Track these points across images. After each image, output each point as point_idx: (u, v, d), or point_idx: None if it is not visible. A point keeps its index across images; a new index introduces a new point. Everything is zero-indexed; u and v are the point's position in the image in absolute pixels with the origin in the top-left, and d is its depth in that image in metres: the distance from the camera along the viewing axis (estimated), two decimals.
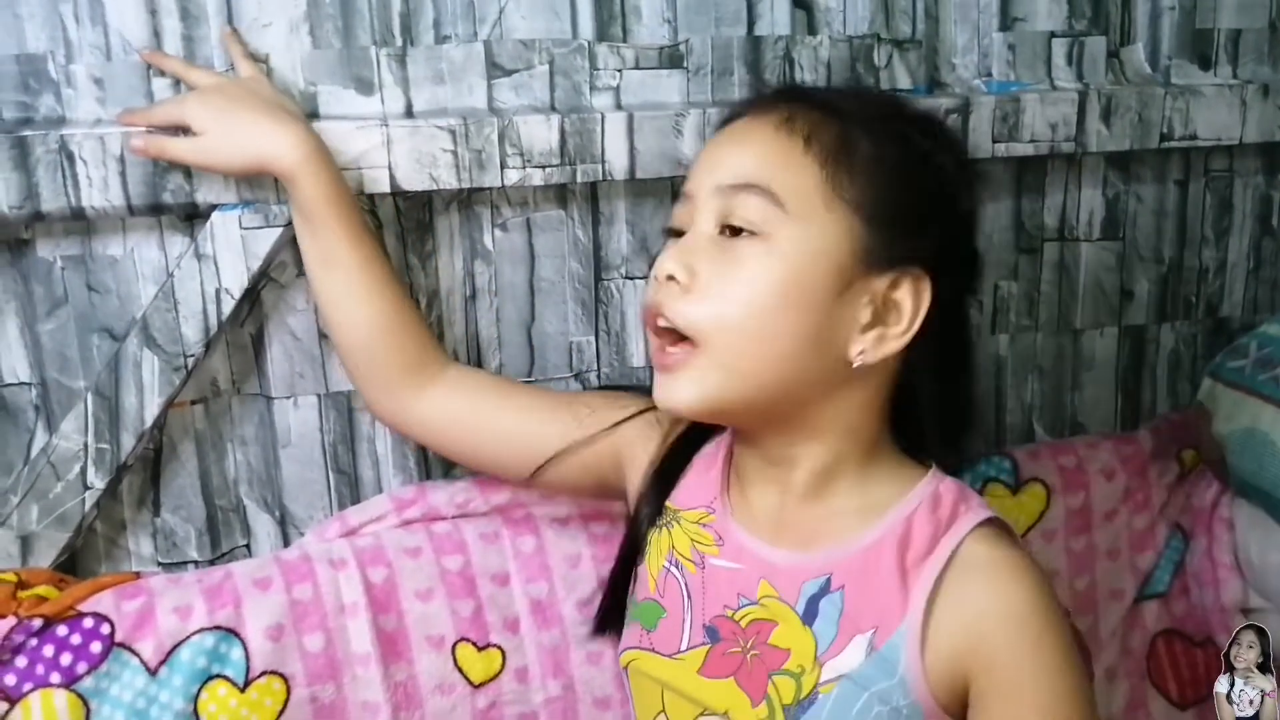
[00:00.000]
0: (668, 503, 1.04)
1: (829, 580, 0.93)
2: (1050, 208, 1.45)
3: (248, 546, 1.29)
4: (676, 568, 1.01)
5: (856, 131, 0.90)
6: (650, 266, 1.31)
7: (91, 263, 1.18)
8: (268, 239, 1.17)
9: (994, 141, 1.35)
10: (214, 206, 1.15)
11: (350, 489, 1.30)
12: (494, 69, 1.24)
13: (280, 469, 1.27)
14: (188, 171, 1.13)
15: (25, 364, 1.20)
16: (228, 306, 1.17)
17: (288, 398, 1.26)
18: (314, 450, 1.28)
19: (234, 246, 1.16)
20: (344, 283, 1.08)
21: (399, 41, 1.22)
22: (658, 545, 1.04)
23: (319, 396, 1.27)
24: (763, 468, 0.97)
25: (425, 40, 1.22)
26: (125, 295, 1.19)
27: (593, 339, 1.33)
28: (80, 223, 1.16)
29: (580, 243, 1.31)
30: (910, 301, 0.90)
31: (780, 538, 0.96)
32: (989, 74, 1.39)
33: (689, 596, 1.00)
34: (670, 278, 0.89)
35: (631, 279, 1.33)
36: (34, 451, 1.20)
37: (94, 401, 1.17)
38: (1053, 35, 1.40)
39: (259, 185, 1.15)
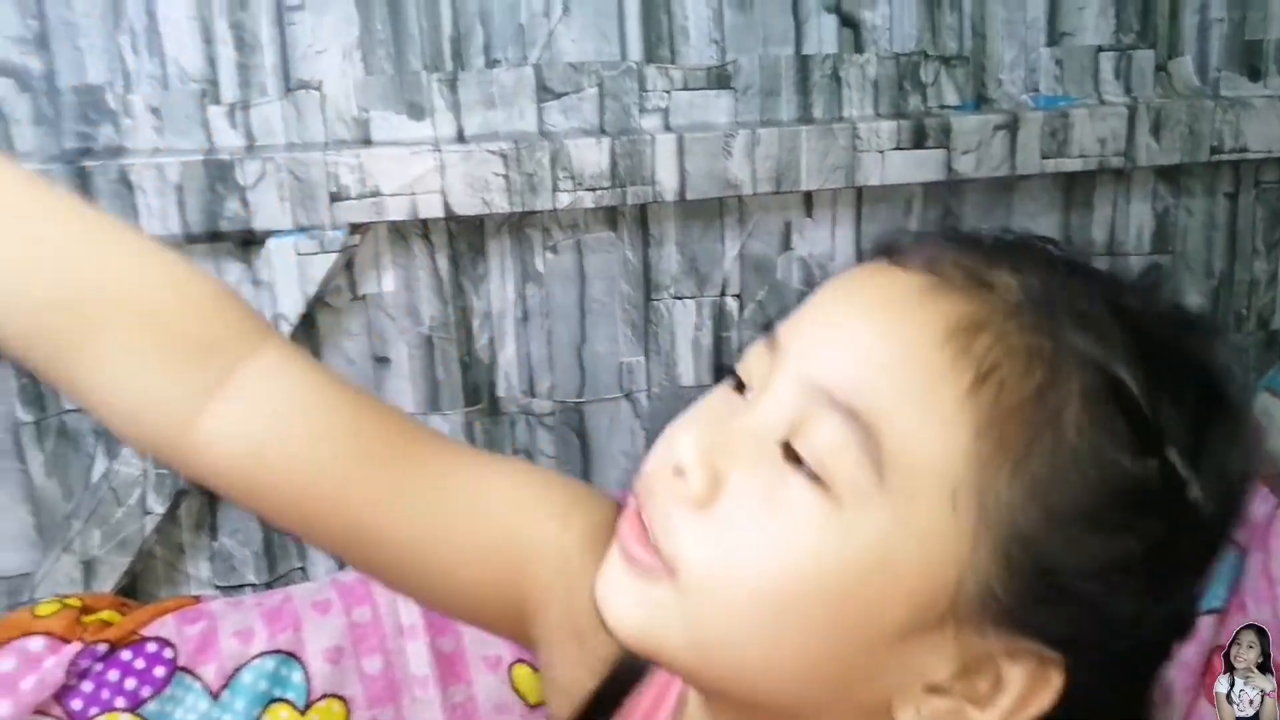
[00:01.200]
0: None
1: None
2: (1099, 222, 1.45)
3: (303, 569, 1.30)
4: None
5: (1074, 409, 0.48)
6: (700, 287, 1.33)
7: None
8: (323, 264, 1.18)
9: (1042, 157, 1.35)
10: (270, 233, 1.16)
11: None
12: (544, 92, 1.25)
13: None
14: (244, 199, 1.14)
15: None
16: (285, 330, 1.18)
17: None
18: None
19: (290, 272, 1.17)
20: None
21: (450, 66, 1.23)
22: None
23: None
24: None
25: (476, 64, 1.23)
26: None
27: (643, 359, 1.34)
28: None
29: (630, 264, 1.31)
30: (1021, 687, 0.50)
31: None
32: (1036, 89, 1.39)
33: None
34: (680, 471, 0.52)
35: (681, 299, 1.33)
36: (94, 477, 1.21)
37: None
38: (1100, 49, 1.40)
39: (314, 211, 1.16)
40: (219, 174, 1.13)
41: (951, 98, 1.37)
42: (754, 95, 1.31)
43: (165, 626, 1.12)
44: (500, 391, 1.32)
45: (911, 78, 1.35)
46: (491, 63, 1.24)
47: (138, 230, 0.66)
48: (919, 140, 1.30)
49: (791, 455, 0.50)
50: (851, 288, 0.54)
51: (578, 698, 0.65)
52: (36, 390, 1.20)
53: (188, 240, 1.15)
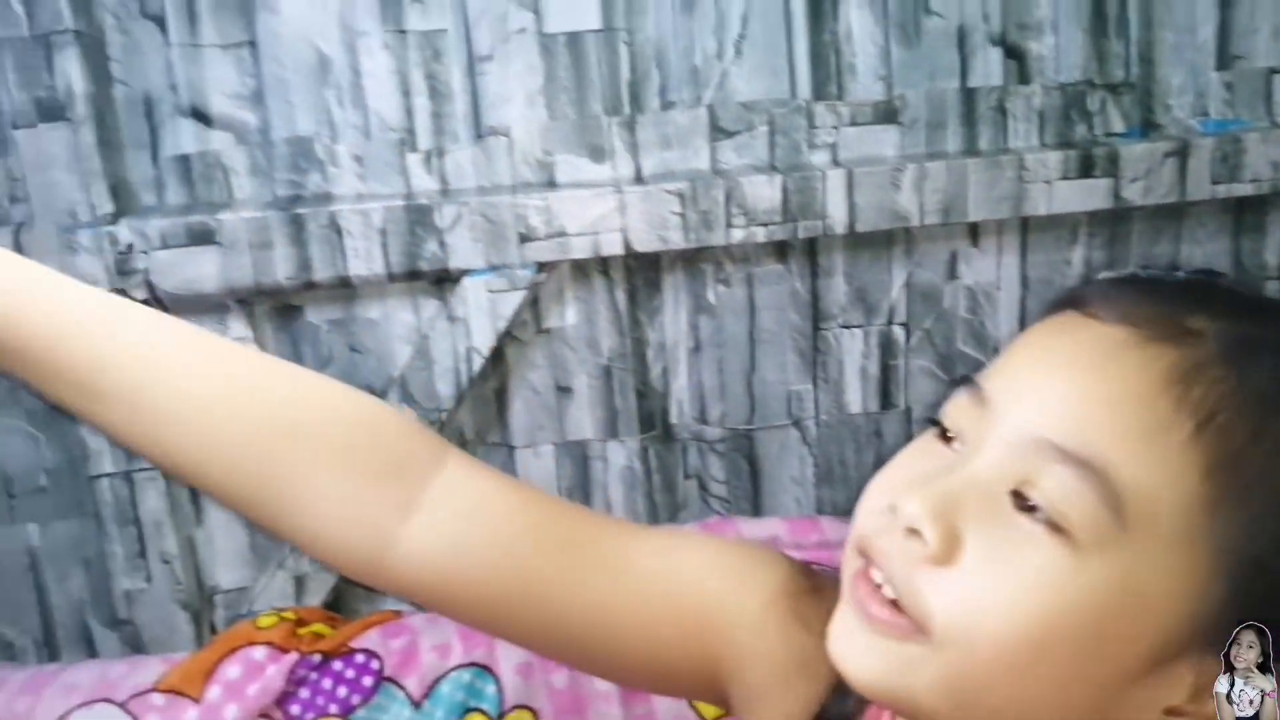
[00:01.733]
0: None
1: None
2: (1271, 246, 1.43)
3: None
4: None
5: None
6: (867, 317, 1.36)
7: (353, 325, 1.29)
8: (513, 301, 1.25)
9: (1213, 183, 1.34)
10: (464, 272, 1.24)
11: None
12: (717, 132, 1.31)
13: None
14: (441, 241, 1.22)
15: None
16: (477, 364, 1.26)
17: (528, 447, 1.34)
18: (551, 494, 1.35)
19: (482, 308, 1.25)
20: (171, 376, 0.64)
21: (627, 110, 1.29)
22: None
23: (555, 446, 1.35)
24: None
25: (652, 107, 1.29)
26: (383, 355, 1.30)
27: (811, 387, 1.38)
28: (344, 289, 1.26)
29: (799, 294, 1.35)
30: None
31: None
32: (1205, 114, 1.39)
33: None
34: (914, 531, 0.55)
35: (848, 328, 1.37)
36: None
37: None
38: (1273, 72, 1.39)
39: (504, 251, 1.23)
40: (418, 218, 1.21)
41: (1119, 125, 1.38)
42: (920, 129, 1.34)
43: (371, 639, 1.21)
44: (673, 418, 1.37)
45: (1078, 107, 1.36)
46: (667, 105, 1.30)
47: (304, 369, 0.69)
48: (1086, 169, 1.32)
49: (1024, 506, 0.53)
50: (1053, 343, 0.58)
51: None
52: None
53: (389, 279, 1.24)
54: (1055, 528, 0.52)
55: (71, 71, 1.16)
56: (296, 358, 1.29)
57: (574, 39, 1.26)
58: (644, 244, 1.26)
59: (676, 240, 1.26)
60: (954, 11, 1.32)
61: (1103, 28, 1.35)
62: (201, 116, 1.24)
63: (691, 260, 1.33)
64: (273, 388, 0.65)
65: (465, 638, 1.22)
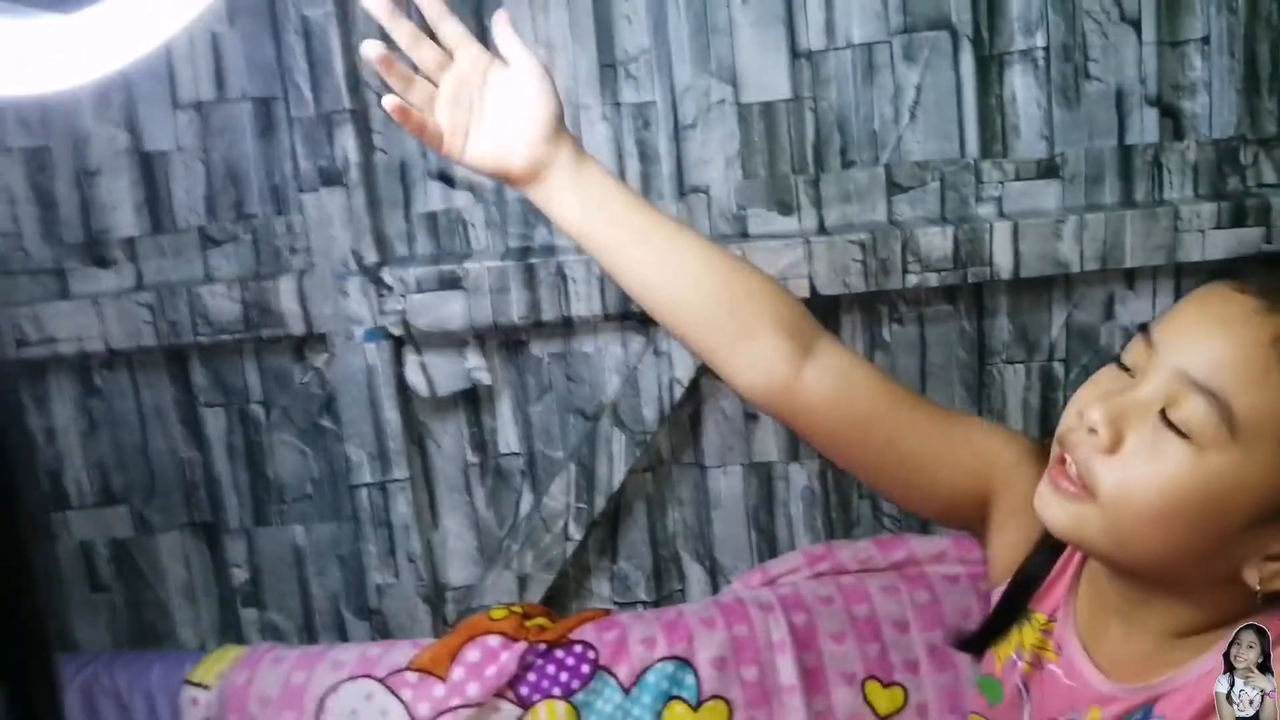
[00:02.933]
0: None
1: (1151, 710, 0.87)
2: None
3: (682, 591, 1.55)
4: (1020, 661, 1.00)
5: None
6: (1030, 354, 1.49)
7: (570, 358, 1.48)
8: None
9: None
10: None
11: (768, 545, 1.53)
12: (893, 187, 1.46)
13: (711, 526, 1.53)
14: None
15: (517, 439, 1.50)
16: (678, 393, 1.44)
17: (718, 467, 1.51)
18: (738, 511, 1.52)
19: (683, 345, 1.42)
20: (679, 249, 0.99)
21: (812, 169, 1.45)
22: (1011, 635, 1.02)
23: (744, 466, 1.51)
24: (1115, 600, 0.91)
25: (834, 166, 1.46)
26: (595, 384, 1.48)
27: (977, 416, 1.51)
28: (565, 327, 1.45)
29: (966, 333, 1.50)
30: None
31: (1116, 669, 0.91)
32: None
33: (1026, 691, 0.99)
34: (1093, 430, 0.82)
35: (1012, 364, 1.50)
36: (522, 509, 1.50)
37: (575, 470, 1.46)
38: None
39: None
40: None
41: (1270, 177, 1.48)
42: (1080, 183, 1.47)
43: (588, 632, 1.39)
44: None
45: (1230, 161, 1.47)
46: (847, 164, 1.46)
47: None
48: (1238, 219, 1.43)
49: (1167, 420, 0.80)
50: (1204, 306, 0.83)
51: (1013, 563, 1.00)
52: (480, 438, 1.50)
53: (605, 319, 1.43)
54: (1185, 435, 0.79)
55: (347, 144, 1.38)
56: (522, 385, 1.49)
57: (767, 108, 1.43)
58: (828, 288, 1.42)
59: (857, 285, 1.42)
60: (1112, 75, 1.45)
61: (1255, 86, 1.46)
62: (446, 179, 1.45)
63: (869, 302, 1.48)
64: (734, 267, 1.00)
65: (669, 632, 1.39)
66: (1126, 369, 0.85)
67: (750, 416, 1.50)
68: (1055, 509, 0.85)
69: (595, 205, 0.98)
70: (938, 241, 1.41)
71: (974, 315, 1.50)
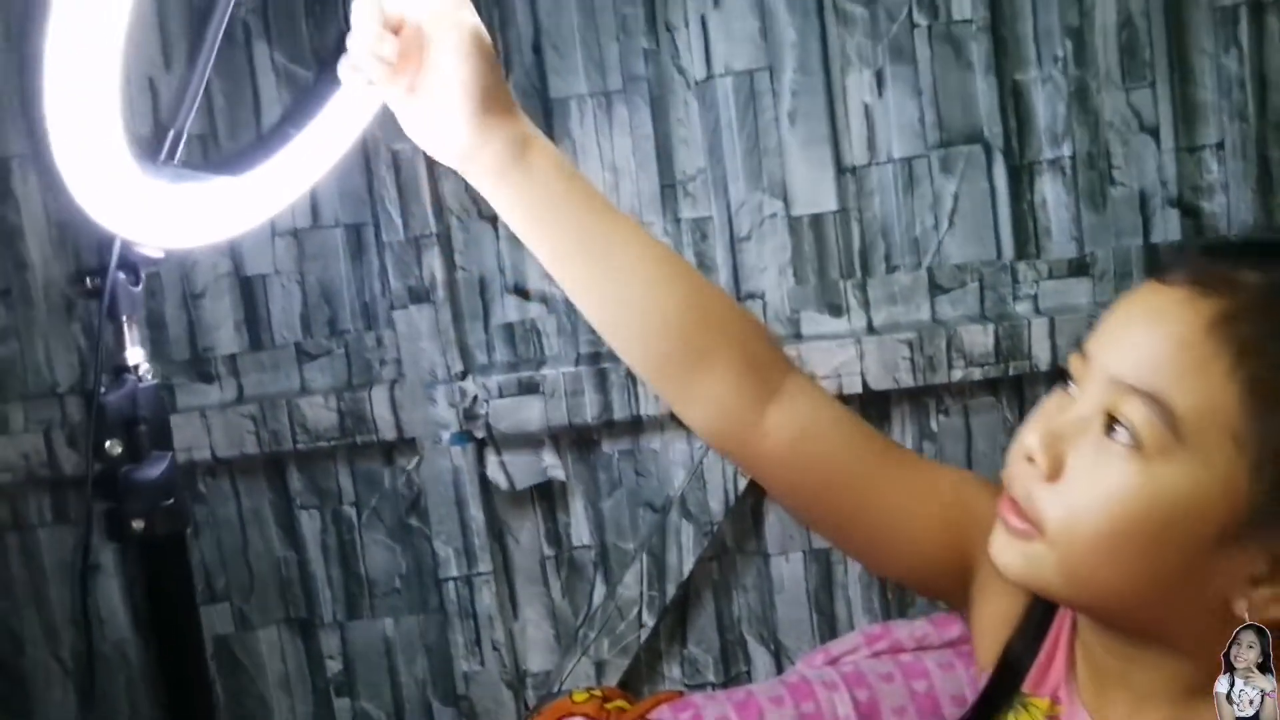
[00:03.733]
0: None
1: None
2: None
3: (749, 672, 1.63)
4: None
5: None
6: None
7: (639, 454, 1.59)
8: None
9: None
10: None
11: (829, 626, 1.62)
12: (935, 289, 1.57)
13: (775, 610, 1.62)
14: None
15: (588, 531, 1.61)
16: (743, 485, 1.54)
17: (780, 554, 1.61)
18: (800, 595, 1.61)
19: None
20: (634, 266, 0.83)
21: (859, 274, 1.57)
22: None
23: (804, 552, 1.61)
24: (1113, 667, 0.81)
25: (879, 271, 1.57)
26: (663, 478, 1.59)
27: None
28: (634, 426, 1.56)
29: (1008, 421, 1.60)
30: None
31: None
32: None
33: None
34: (1030, 459, 0.73)
35: None
36: (595, 598, 1.60)
37: (646, 560, 1.56)
38: None
39: None
40: None
41: None
42: (1109, 280, 1.58)
43: (664, 713, 1.47)
44: None
45: None
46: (892, 268, 1.57)
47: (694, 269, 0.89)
48: None
49: (1110, 429, 0.69)
50: (1132, 306, 0.74)
51: (1001, 635, 0.86)
52: (555, 532, 1.61)
53: (671, 417, 1.53)
54: (1132, 446, 0.68)
55: (434, 264, 1.51)
56: (593, 482, 1.59)
57: (815, 220, 1.56)
58: (879, 383, 1.52)
59: (906, 380, 1.52)
60: (1135, 180, 1.57)
61: (1268, 186, 1.58)
62: (521, 292, 1.57)
63: (917, 395, 1.58)
64: (696, 289, 0.84)
65: (740, 711, 1.47)
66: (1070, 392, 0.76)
67: None
68: (1006, 552, 0.75)
69: (540, 205, 0.83)
70: (980, 338, 1.52)
71: (1015, 405, 1.60)
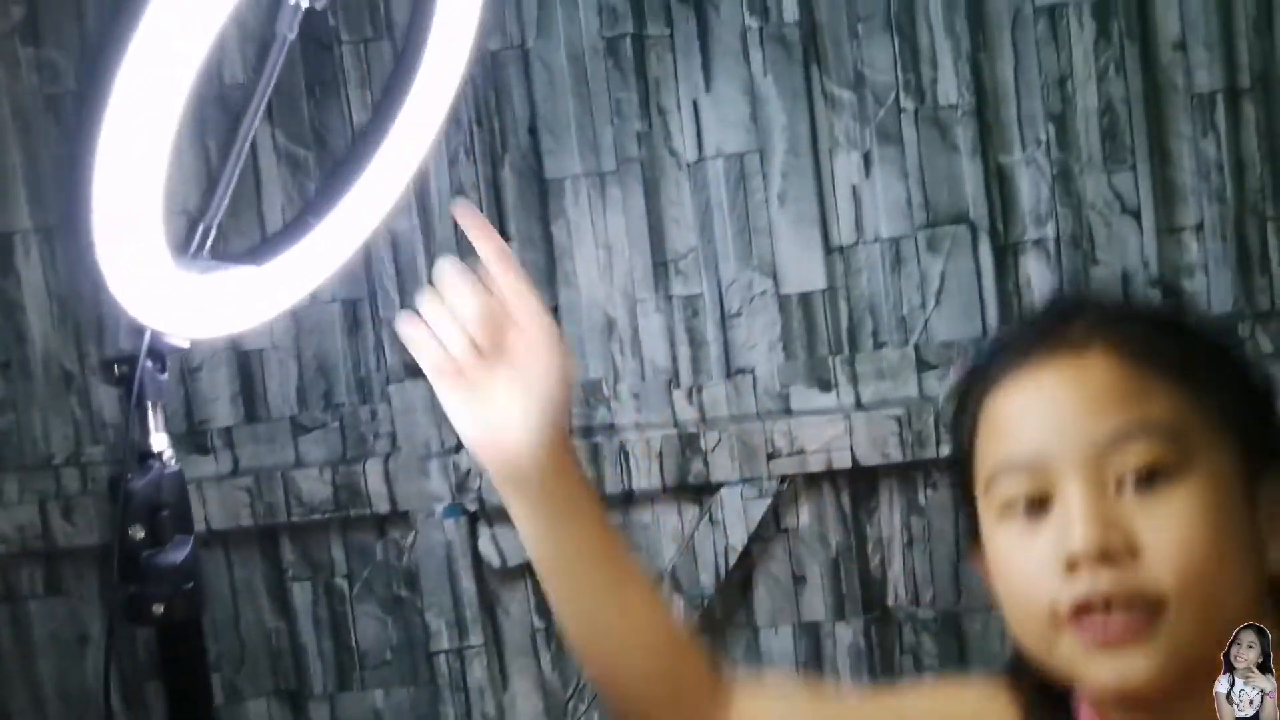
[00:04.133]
0: None
1: None
2: None
3: None
4: None
5: (1180, 343, 0.75)
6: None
7: (630, 527, 1.60)
8: (760, 507, 1.55)
9: None
10: (722, 484, 1.55)
11: None
12: (923, 365, 1.60)
13: None
14: (705, 460, 1.54)
15: None
16: (733, 559, 1.55)
17: (769, 627, 1.62)
18: (790, 669, 1.62)
19: (737, 514, 1.55)
20: (628, 627, 0.84)
21: (848, 350, 1.60)
22: None
23: (794, 626, 1.62)
24: None
25: (867, 347, 1.60)
26: (653, 551, 1.60)
27: None
28: (625, 498, 1.58)
29: None
30: None
31: None
32: None
33: None
34: (1106, 554, 0.67)
35: None
36: (584, 672, 1.60)
37: None
38: None
39: (755, 466, 1.54)
40: (688, 442, 1.53)
41: (1268, 348, 1.62)
42: None
43: None
44: (890, 601, 1.63)
45: (1230, 334, 1.61)
46: (879, 345, 1.60)
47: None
48: None
49: (1133, 485, 0.68)
50: (1027, 402, 0.72)
51: None
52: (546, 605, 1.61)
53: (663, 491, 1.55)
54: (1164, 477, 0.68)
55: None
56: None
57: (804, 297, 1.59)
58: (868, 459, 1.55)
59: (895, 455, 1.55)
60: (1117, 260, 1.60)
61: (1247, 266, 1.61)
62: None
63: (905, 470, 1.60)
64: (660, 644, 0.84)
65: None
66: (1040, 510, 0.70)
67: (799, 579, 1.61)
68: (1135, 662, 0.67)
69: (563, 548, 0.83)
70: None
71: None
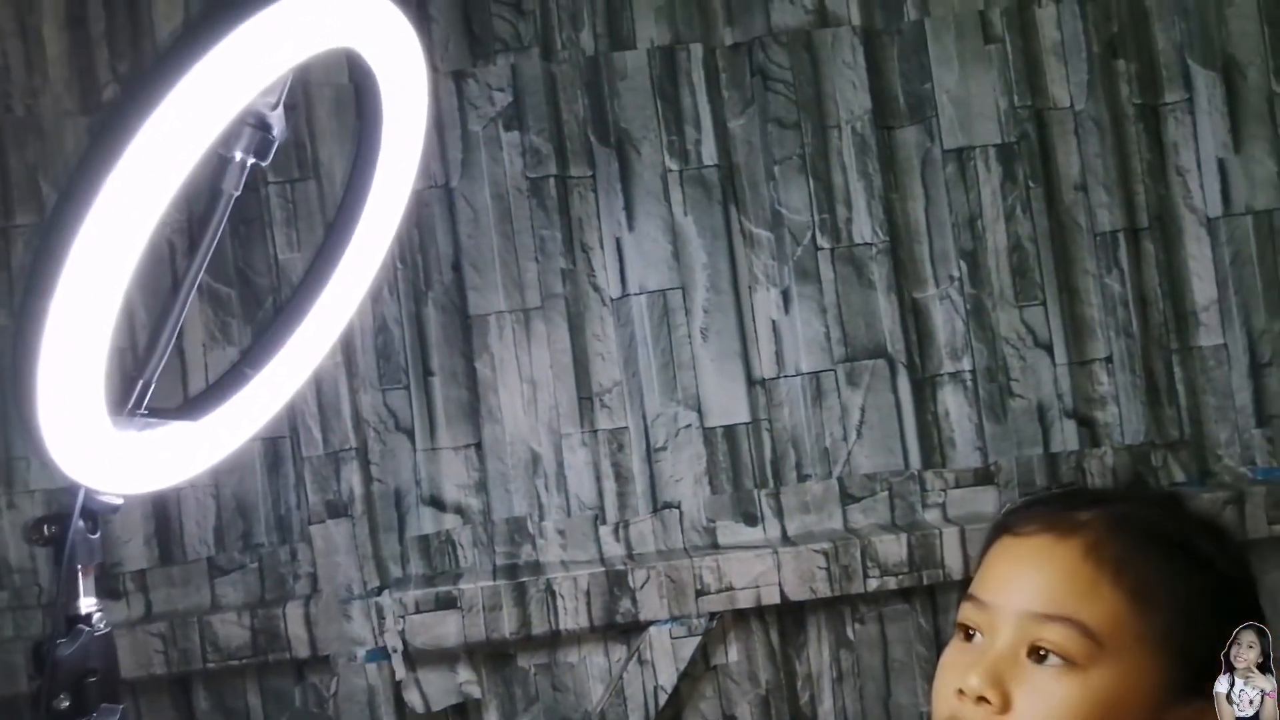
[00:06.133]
0: None
1: None
2: None
3: None
4: None
5: (1161, 562, 0.83)
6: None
7: (556, 669, 1.57)
8: (689, 645, 1.53)
9: (1270, 523, 1.60)
10: (651, 622, 1.53)
11: None
12: (846, 497, 1.61)
13: None
14: (634, 598, 1.52)
15: None
16: (663, 699, 1.53)
17: None
18: None
19: (666, 652, 1.52)
20: None
21: (773, 483, 1.60)
22: None
23: None
24: None
25: (791, 480, 1.61)
26: (580, 692, 1.57)
27: None
28: (551, 639, 1.55)
29: (923, 629, 1.61)
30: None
31: None
32: (1254, 463, 1.67)
33: None
34: (982, 699, 0.80)
35: None
36: None
37: None
38: None
39: (684, 603, 1.52)
40: (616, 580, 1.52)
41: (1179, 475, 1.66)
42: (1014, 487, 1.63)
43: None
44: None
45: (1144, 463, 1.65)
46: (804, 477, 1.61)
47: None
48: None
49: (1039, 657, 0.79)
50: (1012, 553, 0.85)
51: None
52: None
53: (591, 630, 1.53)
54: (1064, 662, 0.79)
55: (353, 478, 1.51)
56: (509, 697, 1.57)
57: (729, 430, 1.60)
58: (797, 594, 1.54)
59: (823, 590, 1.54)
60: (1032, 392, 1.64)
61: (1156, 397, 1.66)
62: (438, 503, 1.57)
63: (833, 604, 1.60)
64: None
65: None
66: (969, 638, 0.85)
67: (729, 718, 1.59)
68: None
69: None
70: (894, 549, 1.55)
71: (929, 613, 1.62)
